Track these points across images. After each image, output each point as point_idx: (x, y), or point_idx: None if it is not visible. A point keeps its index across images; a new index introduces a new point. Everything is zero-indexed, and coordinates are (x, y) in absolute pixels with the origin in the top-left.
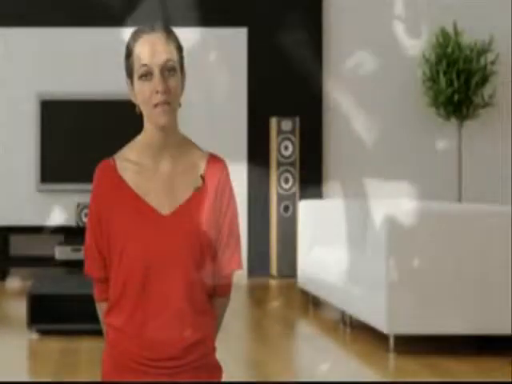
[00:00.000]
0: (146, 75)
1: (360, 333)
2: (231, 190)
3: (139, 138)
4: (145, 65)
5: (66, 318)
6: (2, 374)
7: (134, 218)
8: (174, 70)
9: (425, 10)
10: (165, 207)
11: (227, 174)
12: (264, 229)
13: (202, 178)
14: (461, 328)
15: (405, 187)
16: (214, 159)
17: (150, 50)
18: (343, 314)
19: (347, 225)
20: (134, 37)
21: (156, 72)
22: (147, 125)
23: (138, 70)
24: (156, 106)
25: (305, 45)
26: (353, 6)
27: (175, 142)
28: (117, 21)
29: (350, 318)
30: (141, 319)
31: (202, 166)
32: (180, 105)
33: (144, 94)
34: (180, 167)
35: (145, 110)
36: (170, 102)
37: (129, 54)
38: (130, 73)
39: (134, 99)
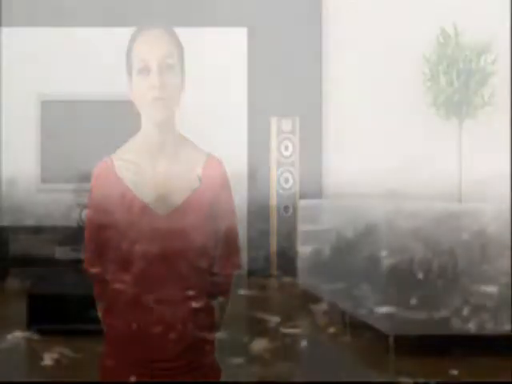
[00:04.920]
0: (144, 70)
1: (360, 333)
2: (229, 190)
3: (136, 138)
4: (143, 59)
5: (66, 318)
6: (2, 374)
7: (131, 217)
8: (172, 67)
9: (425, 10)
10: (162, 207)
11: (225, 175)
12: (264, 229)
13: (200, 178)
14: (460, 328)
15: (405, 187)
16: (212, 160)
17: (149, 45)
18: (343, 313)
19: (347, 225)
20: (135, 34)
21: (153, 67)
22: (144, 123)
23: (136, 65)
24: (152, 100)
25: (305, 45)
26: (353, 5)
27: (172, 141)
28: (117, 21)
29: (350, 318)
30: (138, 319)
31: (199, 167)
32: (179, 105)
33: (141, 90)
34: (178, 167)
35: (141, 106)
36: (166, 97)
37: (129, 50)
38: (129, 70)
39: (133, 98)
